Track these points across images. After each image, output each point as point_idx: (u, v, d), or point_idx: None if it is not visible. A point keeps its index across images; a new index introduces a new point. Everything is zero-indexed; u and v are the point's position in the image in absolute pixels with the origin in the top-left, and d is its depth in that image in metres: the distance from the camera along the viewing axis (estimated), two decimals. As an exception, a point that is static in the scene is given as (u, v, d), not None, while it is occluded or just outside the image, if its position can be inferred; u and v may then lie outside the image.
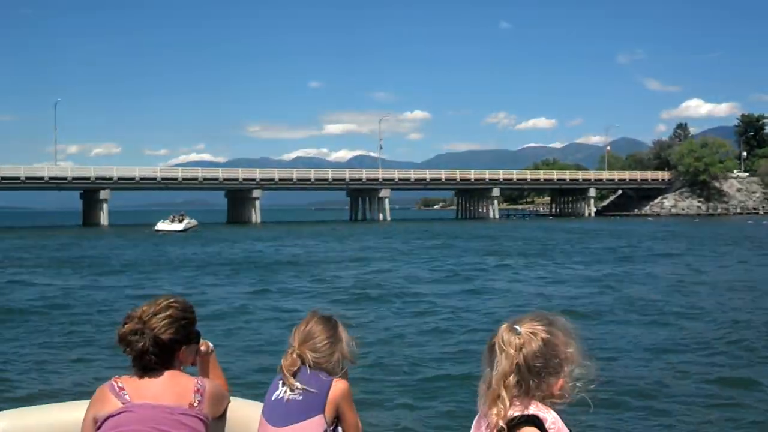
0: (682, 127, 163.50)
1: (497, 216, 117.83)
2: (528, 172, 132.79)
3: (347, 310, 19.04)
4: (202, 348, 3.44)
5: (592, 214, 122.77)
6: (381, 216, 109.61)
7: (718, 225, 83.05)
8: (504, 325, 2.54)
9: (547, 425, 2.40)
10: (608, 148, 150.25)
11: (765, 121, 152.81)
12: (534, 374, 2.45)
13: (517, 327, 2.51)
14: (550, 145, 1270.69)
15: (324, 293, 24.81)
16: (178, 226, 75.66)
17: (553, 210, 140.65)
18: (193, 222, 79.59)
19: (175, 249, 48.86)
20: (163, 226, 76.14)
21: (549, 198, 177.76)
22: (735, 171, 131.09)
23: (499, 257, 40.29)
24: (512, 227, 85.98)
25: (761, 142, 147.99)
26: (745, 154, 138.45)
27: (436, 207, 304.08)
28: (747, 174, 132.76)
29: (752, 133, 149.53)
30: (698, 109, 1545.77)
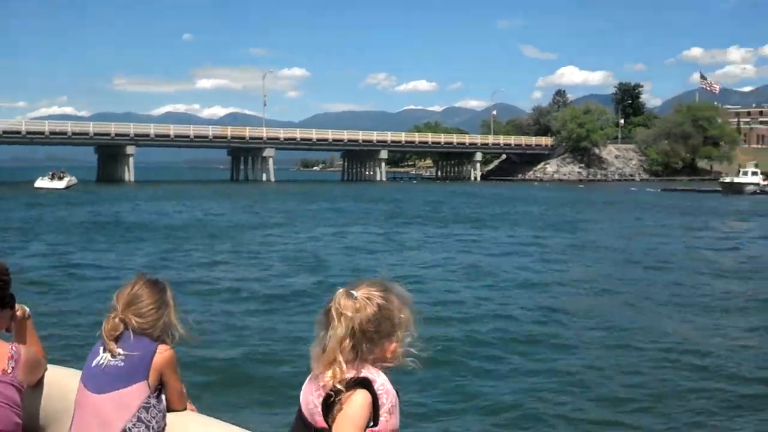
0: (560, 93, 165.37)
1: (384, 178, 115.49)
2: (416, 134, 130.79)
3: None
4: (18, 313, 3.37)
5: (478, 178, 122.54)
6: (264, 176, 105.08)
7: (608, 192, 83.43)
8: (341, 290, 2.56)
9: (376, 387, 2.46)
10: (494, 112, 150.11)
11: (641, 89, 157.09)
12: (368, 339, 2.51)
13: (354, 292, 2.54)
14: (430, 108, 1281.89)
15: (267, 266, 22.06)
16: (60, 184, 71.26)
17: (439, 174, 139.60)
18: (74, 180, 74.93)
19: (57, 210, 44.70)
20: (42, 183, 71.83)
21: (430, 161, 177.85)
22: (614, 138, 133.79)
23: (441, 223, 39.11)
24: (410, 190, 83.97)
25: (637, 110, 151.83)
26: (622, 121, 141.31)
27: (315, 168, 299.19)
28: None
29: (629, 102, 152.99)
30: (573, 76, 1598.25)
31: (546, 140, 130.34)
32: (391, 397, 2.50)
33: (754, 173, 77.58)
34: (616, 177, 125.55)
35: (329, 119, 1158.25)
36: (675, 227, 38.91)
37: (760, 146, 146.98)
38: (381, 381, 2.50)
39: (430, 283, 19.28)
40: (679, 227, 38.85)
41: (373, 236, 32.29)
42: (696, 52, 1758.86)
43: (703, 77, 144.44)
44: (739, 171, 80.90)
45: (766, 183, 76.56)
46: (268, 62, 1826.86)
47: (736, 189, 74.21)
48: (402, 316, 2.58)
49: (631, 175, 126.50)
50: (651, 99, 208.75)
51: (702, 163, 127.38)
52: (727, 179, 78.89)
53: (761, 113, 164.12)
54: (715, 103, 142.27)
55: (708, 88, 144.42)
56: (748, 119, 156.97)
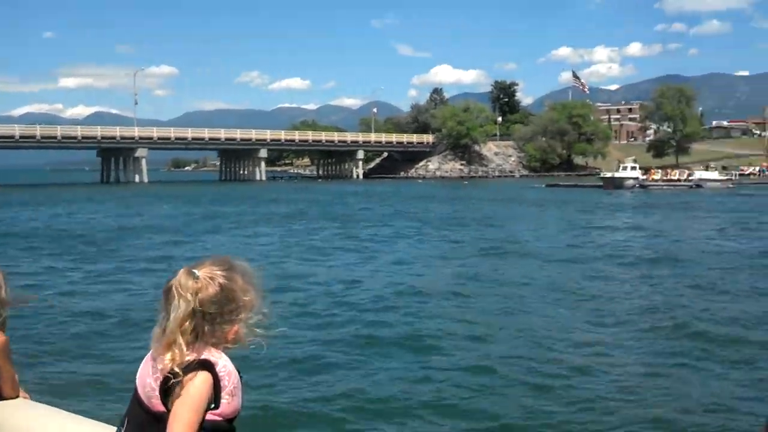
0: (437, 91, 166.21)
1: (264, 178, 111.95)
2: (296, 132, 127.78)
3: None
4: None
5: (361, 177, 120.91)
6: (137, 177, 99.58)
7: (497, 188, 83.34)
8: (182, 269, 2.46)
9: (218, 369, 2.39)
10: (375, 110, 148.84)
11: (516, 87, 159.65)
12: (209, 320, 2.42)
13: (196, 271, 2.45)
14: (305, 106, 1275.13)
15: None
16: None
17: (320, 172, 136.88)
18: None
19: None
20: None
21: (308, 160, 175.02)
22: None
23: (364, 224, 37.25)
24: (302, 189, 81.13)
25: (513, 108, 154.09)
26: (500, 119, 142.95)
27: (187, 168, 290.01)
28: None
29: (505, 99, 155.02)
30: (447, 75, 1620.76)
31: (427, 138, 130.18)
32: (233, 379, 2.41)
33: (633, 168, 79.24)
34: (497, 173, 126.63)
35: (201, 117, 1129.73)
36: (573, 221, 38.99)
37: (630, 142, 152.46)
38: (223, 363, 2.40)
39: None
40: (572, 221, 38.89)
41: (295, 240, 30.17)
42: (565, 51, 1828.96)
43: (575, 76, 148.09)
44: (619, 166, 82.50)
45: (644, 177, 78.27)
46: (135, 60, 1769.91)
47: (617, 183, 75.49)
48: (246, 297, 2.47)
49: (510, 172, 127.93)
50: (524, 98, 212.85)
51: (578, 159, 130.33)
52: (608, 174, 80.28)
53: (630, 110, 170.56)
54: (587, 101, 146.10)
55: (580, 87, 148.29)
56: (618, 116, 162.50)
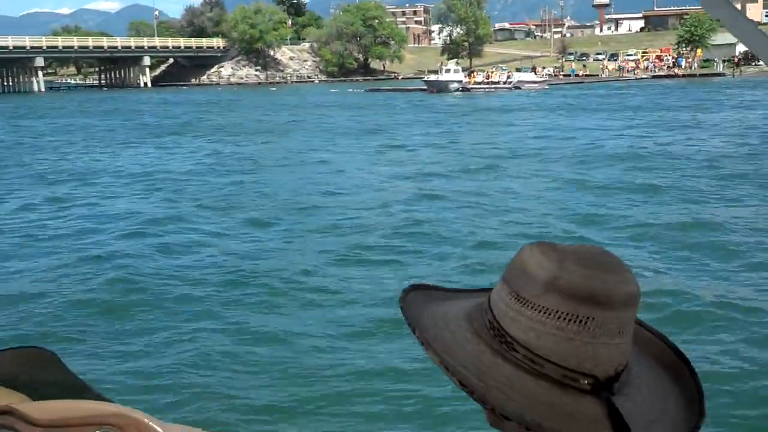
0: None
1: (43, 89, 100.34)
2: (75, 38, 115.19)
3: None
4: None
5: (149, 84, 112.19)
6: None
7: (314, 93, 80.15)
8: None
9: None
10: (156, 12, 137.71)
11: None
12: None
13: None
14: (58, 11, 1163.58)
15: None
16: None
17: (103, 81, 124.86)
18: None
19: None
20: None
21: (74, 69, 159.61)
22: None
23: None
24: (105, 101, 72.68)
25: (299, 11, 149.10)
26: (289, 22, 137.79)
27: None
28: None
29: (292, 2, 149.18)
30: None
31: (218, 42, 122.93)
32: None
33: (456, 71, 79.10)
34: (294, 79, 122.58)
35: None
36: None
37: (419, 45, 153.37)
38: None
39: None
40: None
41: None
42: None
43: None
44: (442, 68, 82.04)
45: (467, 80, 78.54)
46: None
47: (442, 87, 75.11)
48: None
49: (308, 77, 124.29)
50: None
51: (374, 63, 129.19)
52: (432, 77, 79.62)
53: (415, 13, 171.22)
54: (379, 2, 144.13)
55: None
56: (403, 19, 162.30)
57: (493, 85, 78.04)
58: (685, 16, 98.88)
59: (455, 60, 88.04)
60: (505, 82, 78.42)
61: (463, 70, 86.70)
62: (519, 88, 76.09)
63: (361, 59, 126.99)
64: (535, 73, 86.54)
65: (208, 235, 14.83)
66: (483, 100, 64.66)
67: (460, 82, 76.58)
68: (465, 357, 0.96)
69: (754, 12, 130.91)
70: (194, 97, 75.98)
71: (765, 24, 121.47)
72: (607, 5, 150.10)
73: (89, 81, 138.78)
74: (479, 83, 79.19)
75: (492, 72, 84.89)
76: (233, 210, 17.33)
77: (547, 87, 77.38)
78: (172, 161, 27.11)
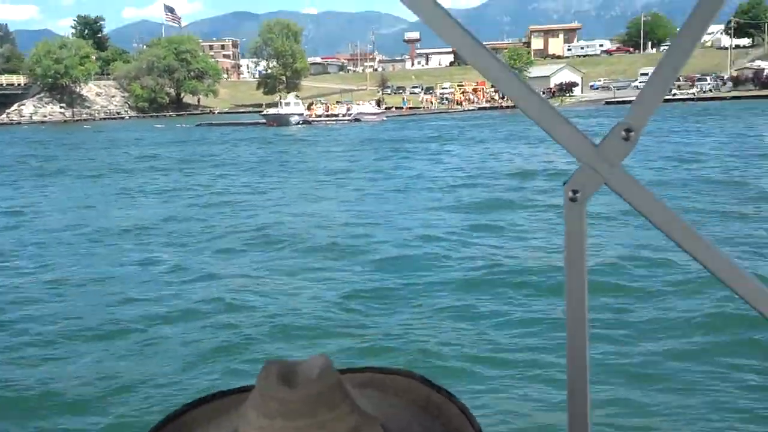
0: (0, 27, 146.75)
1: None
2: None
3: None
4: None
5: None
6: None
7: (134, 130, 75.80)
8: None
9: None
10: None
11: (103, 23, 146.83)
12: None
13: None
14: None
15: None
16: None
17: None
18: None
19: None
20: None
21: None
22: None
23: None
24: None
25: (101, 45, 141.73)
26: (93, 57, 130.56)
27: None
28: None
29: (98, 36, 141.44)
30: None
31: (18, 78, 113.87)
32: None
33: (297, 104, 78.12)
34: (102, 115, 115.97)
35: None
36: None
37: (228, 80, 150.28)
38: None
39: None
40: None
41: None
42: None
43: (170, 10, 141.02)
44: (281, 102, 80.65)
45: (308, 113, 77.80)
46: None
47: (283, 120, 73.89)
48: None
49: (118, 113, 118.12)
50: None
51: (188, 98, 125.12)
52: (272, 111, 78.06)
53: (223, 47, 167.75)
54: (194, 36, 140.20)
55: (173, 22, 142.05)
56: (212, 53, 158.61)
57: (333, 118, 77.91)
58: (504, 50, 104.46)
59: (294, 93, 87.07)
60: (344, 115, 78.52)
61: (311, 103, 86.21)
62: (359, 120, 76.45)
63: (174, 94, 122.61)
64: (379, 106, 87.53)
65: None
66: (326, 132, 64.31)
67: (301, 115, 75.83)
68: None
69: (555, 46, 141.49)
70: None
71: (567, 57, 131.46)
72: (417, 40, 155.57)
73: None
74: (320, 116, 78.77)
75: (332, 105, 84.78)
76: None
77: (385, 119, 78.36)
78: None
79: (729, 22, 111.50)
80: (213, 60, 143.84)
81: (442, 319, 11.14)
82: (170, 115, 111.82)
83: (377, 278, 13.67)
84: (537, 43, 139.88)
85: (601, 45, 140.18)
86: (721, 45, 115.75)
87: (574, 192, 0.83)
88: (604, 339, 9.67)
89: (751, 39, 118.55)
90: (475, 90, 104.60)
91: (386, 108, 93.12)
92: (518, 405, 8.10)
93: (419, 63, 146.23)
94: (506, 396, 8.39)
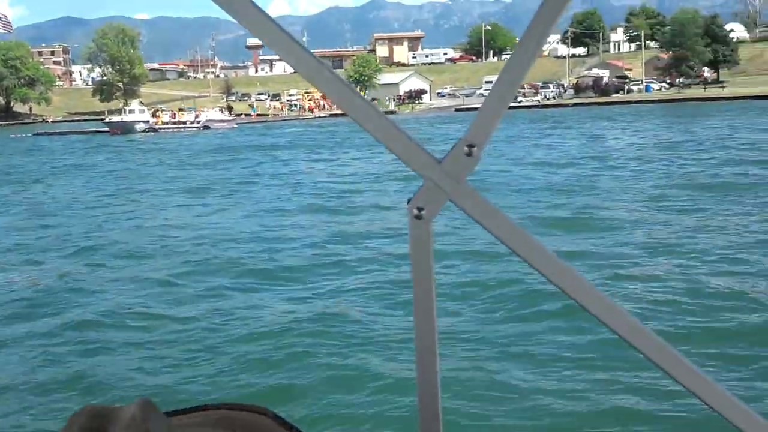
0: None
1: None
2: None
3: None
4: None
5: None
6: None
7: None
8: None
9: None
10: None
11: None
12: None
13: None
14: None
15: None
16: None
17: None
18: None
19: None
20: None
21: None
22: None
23: None
24: None
25: None
26: None
27: None
28: None
29: None
30: None
31: None
32: None
33: (141, 111, 74.46)
34: None
35: None
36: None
37: (61, 87, 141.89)
38: None
39: None
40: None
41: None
42: None
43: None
44: (125, 109, 76.59)
45: (155, 120, 74.35)
46: None
47: (128, 128, 70.28)
48: None
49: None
50: None
51: (18, 106, 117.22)
52: (116, 118, 73.99)
53: (53, 53, 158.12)
54: (24, 42, 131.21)
55: (4, 29, 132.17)
56: (41, 59, 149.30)
57: (181, 125, 74.87)
58: (351, 57, 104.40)
59: (139, 99, 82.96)
60: (193, 122, 75.64)
61: (156, 110, 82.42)
62: (208, 127, 73.96)
63: (2, 102, 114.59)
64: (230, 112, 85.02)
65: None
66: (175, 139, 61.67)
67: (147, 122, 72.45)
68: None
69: (400, 54, 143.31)
70: None
71: (412, 65, 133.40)
72: (260, 46, 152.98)
73: None
74: (166, 123, 75.46)
75: (178, 112, 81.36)
76: None
77: (236, 126, 76.21)
78: None
79: (566, 32, 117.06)
80: (44, 67, 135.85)
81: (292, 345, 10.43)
82: (0, 125, 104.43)
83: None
84: (382, 51, 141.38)
85: (445, 53, 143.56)
86: (558, 54, 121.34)
87: (419, 209, 0.79)
88: (452, 355, 9.42)
89: (586, 48, 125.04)
90: (323, 96, 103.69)
91: (236, 115, 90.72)
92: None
93: (263, 70, 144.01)
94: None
